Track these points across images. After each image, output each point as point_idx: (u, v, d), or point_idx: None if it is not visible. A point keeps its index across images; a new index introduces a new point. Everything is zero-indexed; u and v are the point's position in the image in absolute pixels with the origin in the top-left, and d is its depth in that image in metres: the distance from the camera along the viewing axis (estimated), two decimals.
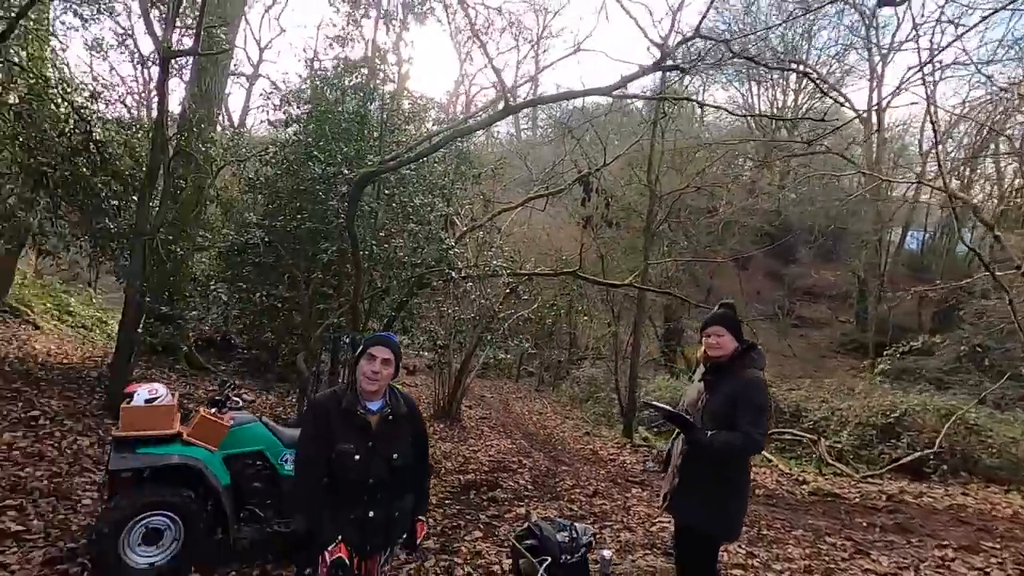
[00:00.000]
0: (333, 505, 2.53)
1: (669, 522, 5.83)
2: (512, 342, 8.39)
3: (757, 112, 23.53)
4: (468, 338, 9.20)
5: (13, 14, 8.47)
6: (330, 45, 10.01)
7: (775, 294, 25.33)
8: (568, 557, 3.51)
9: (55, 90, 9.15)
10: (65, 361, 9.66)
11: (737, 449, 2.86)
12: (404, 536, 2.78)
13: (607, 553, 3.92)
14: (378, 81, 9.68)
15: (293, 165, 8.82)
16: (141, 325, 7.13)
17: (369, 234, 7.92)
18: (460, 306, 9.29)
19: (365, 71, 9.64)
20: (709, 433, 2.88)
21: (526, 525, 3.88)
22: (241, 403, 4.38)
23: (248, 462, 4.15)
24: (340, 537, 2.46)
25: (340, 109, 8.70)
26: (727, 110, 11.22)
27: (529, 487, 7.19)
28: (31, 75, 9.01)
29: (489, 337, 9.08)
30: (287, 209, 8.40)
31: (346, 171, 6.93)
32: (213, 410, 4.12)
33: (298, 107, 9.41)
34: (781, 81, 26.76)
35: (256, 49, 29.84)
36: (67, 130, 8.94)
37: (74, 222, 8.99)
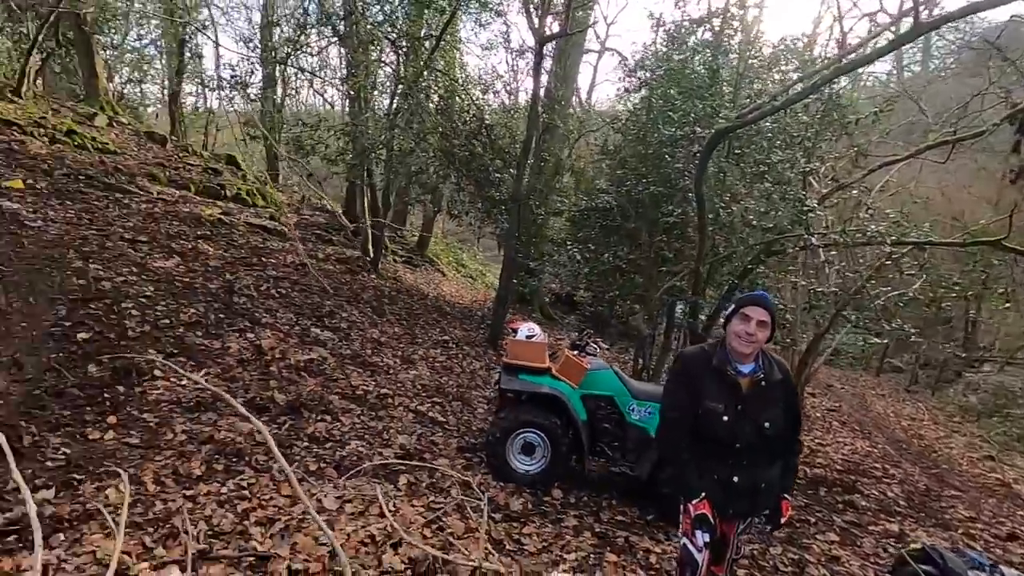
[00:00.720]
0: (698, 461, 2.49)
1: None
2: (887, 326, 6.83)
3: None
4: (823, 316, 7.96)
5: (435, 32, 11.05)
6: (675, 5, 9.76)
7: None
8: None
9: (461, 87, 11.60)
10: (461, 302, 12.47)
11: None
12: (767, 511, 2.56)
13: None
14: (729, 32, 9.00)
15: (640, 131, 9.06)
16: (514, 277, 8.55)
17: (715, 196, 7.56)
18: (817, 278, 8.09)
19: (717, 22, 9.07)
20: None
21: (920, 546, 3.14)
22: (598, 350, 4.79)
23: (601, 404, 4.53)
24: (704, 494, 2.42)
25: (689, 68, 8.44)
26: None
27: (900, 502, 5.89)
28: (447, 78, 11.63)
29: (853, 317, 7.65)
30: (633, 174, 8.72)
31: (698, 130, 6.68)
32: (575, 352, 4.62)
33: (646, 73, 9.54)
34: None
35: (603, 25, 31.65)
36: (467, 119, 11.29)
37: (471, 192, 11.37)
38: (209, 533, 2.83)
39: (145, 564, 2.46)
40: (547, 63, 12.51)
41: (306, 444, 4.15)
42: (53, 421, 3.51)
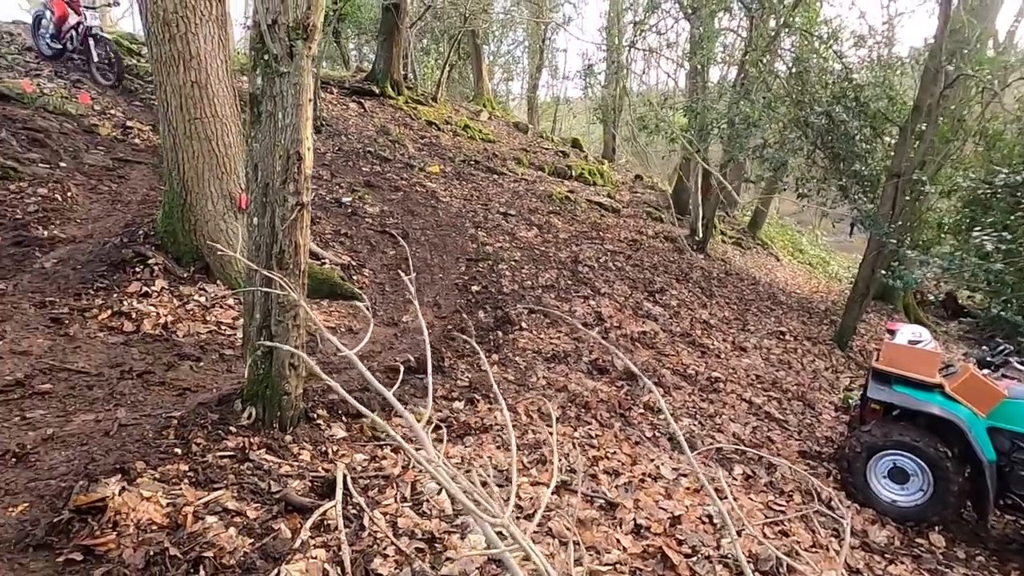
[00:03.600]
0: None
1: None
2: None
3: None
4: None
5: None
6: None
7: None
8: None
9: (823, 44, 10.03)
10: (798, 291, 11.11)
11: None
12: None
13: None
14: None
15: None
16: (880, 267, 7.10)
17: None
18: None
19: None
20: None
21: None
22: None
23: (1021, 445, 3.42)
24: None
25: None
26: None
27: None
28: (807, 35, 10.20)
29: None
30: None
31: None
32: (984, 372, 3.58)
33: None
34: None
35: None
36: (829, 81, 9.72)
37: (824, 167, 9.86)
38: (567, 468, 3.26)
39: (524, 479, 2.99)
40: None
41: (641, 411, 4.37)
42: (459, 351, 4.57)
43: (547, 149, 13.90)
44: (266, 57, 2.50)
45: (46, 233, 4.26)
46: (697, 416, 4.52)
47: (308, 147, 2.55)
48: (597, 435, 3.76)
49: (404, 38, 12.10)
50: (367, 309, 2.70)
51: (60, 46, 7.15)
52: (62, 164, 5.34)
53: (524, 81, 23.85)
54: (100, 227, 4.55)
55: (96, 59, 7.04)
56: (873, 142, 9.01)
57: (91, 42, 6.98)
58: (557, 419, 3.91)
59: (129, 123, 6.64)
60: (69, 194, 4.90)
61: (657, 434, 4.08)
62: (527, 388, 4.25)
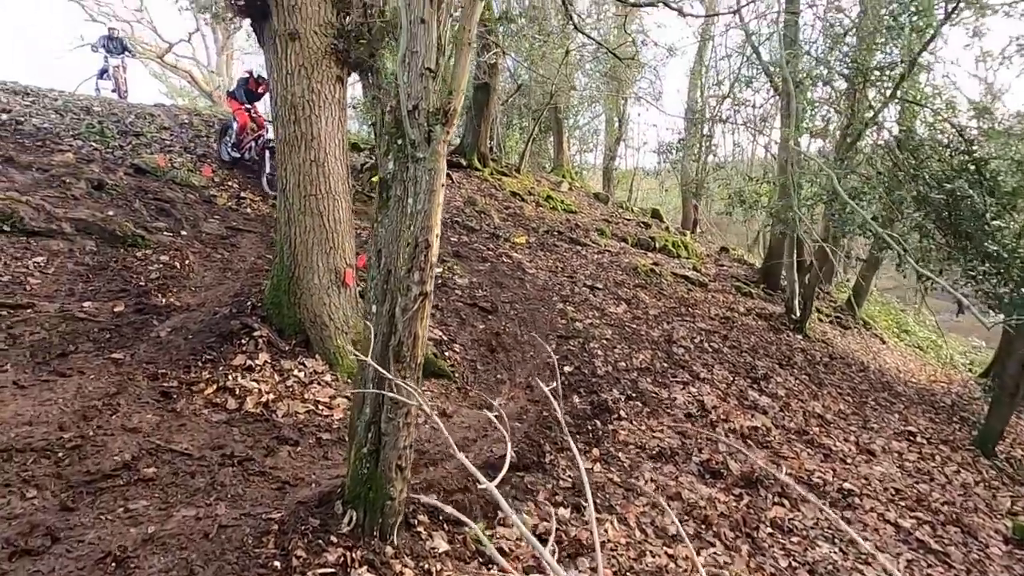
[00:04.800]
0: None
1: None
2: None
3: None
4: None
5: (903, 57, 9.34)
6: None
7: None
8: None
9: (935, 115, 9.42)
10: (912, 379, 9.92)
11: None
12: None
13: None
14: None
15: None
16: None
17: None
18: None
19: None
20: None
21: None
22: None
23: None
24: None
25: None
26: None
27: None
28: (915, 107, 9.64)
29: None
30: None
31: None
32: None
33: None
34: None
35: None
36: (947, 154, 9.03)
37: (941, 245, 8.98)
38: None
39: None
40: None
41: (769, 530, 3.76)
42: (557, 442, 4.19)
43: (628, 220, 13.71)
44: (400, 142, 2.43)
45: (164, 300, 4.40)
46: (835, 540, 3.84)
47: (437, 234, 2.40)
48: (727, 562, 3.22)
49: (492, 114, 12.57)
50: (501, 420, 2.43)
51: (239, 154, 7.51)
52: (183, 232, 5.66)
53: (598, 152, 24.21)
54: (212, 295, 4.68)
55: (268, 170, 7.20)
56: (1003, 218, 8.13)
57: (267, 154, 7.15)
58: (673, 536, 3.40)
59: (243, 194, 7.06)
60: (187, 261, 5.12)
61: (794, 563, 3.46)
62: (635, 493, 3.79)
